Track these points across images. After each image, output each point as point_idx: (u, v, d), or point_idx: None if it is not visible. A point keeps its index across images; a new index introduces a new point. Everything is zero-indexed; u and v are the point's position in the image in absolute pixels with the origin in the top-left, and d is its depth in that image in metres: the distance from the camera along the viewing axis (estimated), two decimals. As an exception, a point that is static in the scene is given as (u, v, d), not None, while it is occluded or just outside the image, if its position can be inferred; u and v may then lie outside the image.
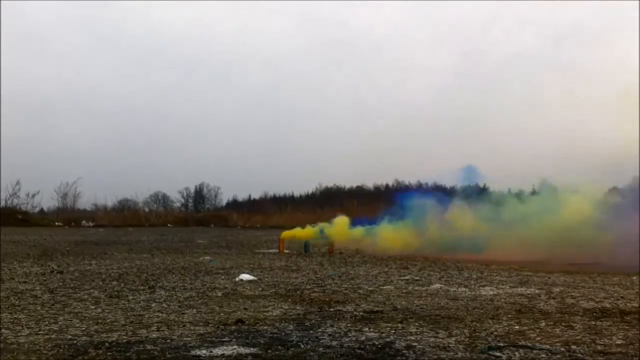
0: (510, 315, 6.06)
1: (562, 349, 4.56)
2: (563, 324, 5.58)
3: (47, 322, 5.67)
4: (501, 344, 4.68)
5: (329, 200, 55.91)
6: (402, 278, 9.64)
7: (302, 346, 4.65)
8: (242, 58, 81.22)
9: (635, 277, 9.62)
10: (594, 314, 6.17)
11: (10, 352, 4.45)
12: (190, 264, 12.19)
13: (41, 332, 5.23)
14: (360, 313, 6.20)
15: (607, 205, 15.07)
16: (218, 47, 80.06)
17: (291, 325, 5.52)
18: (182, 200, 66.43)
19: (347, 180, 74.93)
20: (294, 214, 44.92)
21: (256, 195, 67.05)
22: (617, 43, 73.43)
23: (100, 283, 8.89)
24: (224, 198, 67.94)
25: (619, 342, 4.85)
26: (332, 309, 6.48)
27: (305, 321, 5.75)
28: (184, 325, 5.52)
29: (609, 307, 6.62)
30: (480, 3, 78.74)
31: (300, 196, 65.93)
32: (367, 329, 5.35)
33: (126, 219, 48.25)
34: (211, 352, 4.45)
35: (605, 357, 4.37)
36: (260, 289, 8.29)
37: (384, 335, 5.08)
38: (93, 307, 6.66)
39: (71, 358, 4.31)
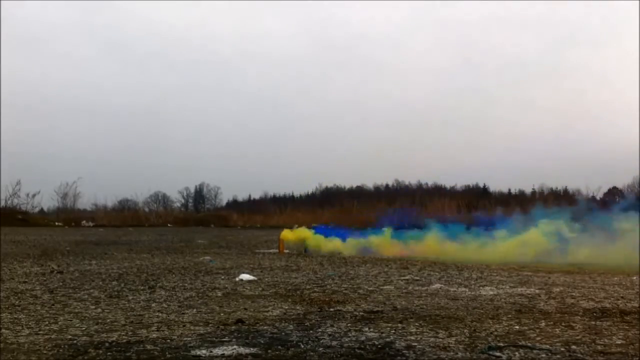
0: (510, 315, 6.05)
1: (562, 349, 4.56)
2: (563, 324, 5.58)
3: (47, 322, 5.67)
4: (501, 344, 4.68)
5: (329, 200, 55.97)
6: (402, 278, 9.64)
7: (302, 346, 4.65)
8: (243, 59, 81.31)
9: (635, 277, 9.62)
10: (594, 314, 6.17)
11: (10, 352, 4.45)
12: (190, 264, 12.19)
13: (41, 332, 5.23)
14: (360, 313, 6.20)
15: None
16: (218, 48, 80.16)
17: (291, 325, 5.51)
18: (182, 200, 66.54)
19: (347, 180, 75.06)
20: (294, 214, 44.88)
21: (256, 195, 67.16)
22: (617, 43, 73.47)
23: (100, 283, 8.89)
24: (224, 198, 68.04)
25: (619, 342, 4.85)
26: (332, 309, 6.47)
27: (305, 321, 5.75)
28: (184, 325, 5.52)
29: (609, 307, 6.62)
30: (480, 3, 78.75)
31: (300, 196, 65.99)
32: (367, 329, 5.35)
33: (126, 219, 48.25)
34: (211, 352, 4.45)
35: (605, 357, 4.37)
36: (260, 289, 8.29)
37: (384, 335, 5.08)
38: (93, 307, 6.66)
39: (71, 358, 4.31)
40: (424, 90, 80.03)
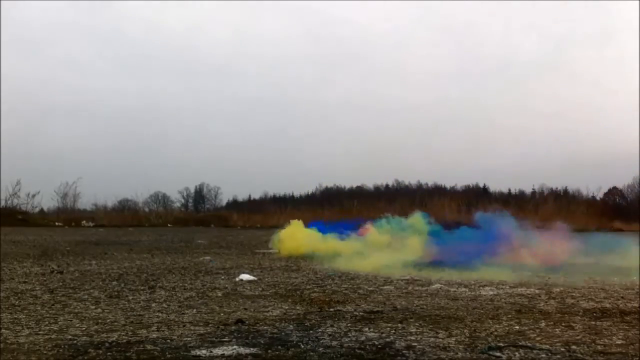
0: (510, 315, 6.06)
1: (562, 349, 4.56)
2: (563, 324, 5.58)
3: (47, 322, 5.67)
4: (501, 344, 4.68)
5: (329, 200, 55.93)
6: (402, 278, 9.64)
7: (302, 346, 4.65)
8: (242, 59, 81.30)
9: (635, 277, 9.62)
10: (594, 314, 6.17)
11: (10, 352, 4.45)
12: (190, 264, 12.19)
13: (41, 332, 5.23)
14: (360, 313, 6.20)
15: None
16: (218, 48, 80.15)
17: (291, 325, 5.52)
18: (182, 201, 66.45)
19: (347, 180, 74.93)
20: (294, 214, 44.87)
21: (256, 195, 67.05)
22: (617, 43, 73.53)
23: (100, 283, 8.89)
24: (224, 198, 67.97)
25: (619, 342, 4.85)
26: (332, 309, 6.48)
27: (305, 321, 5.75)
28: (184, 325, 5.53)
29: (609, 307, 6.62)
30: (481, 3, 78.79)
31: (300, 196, 65.94)
32: (367, 329, 5.35)
33: (126, 219, 48.16)
34: (211, 352, 4.45)
35: (605, 357, 4.37)
36: (260, 289, 8.29)
37: (384, 335, 5.08)
38: (93, 307, 6.66)
39: (71, 358, 4.31)
40: (424, 90, 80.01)
